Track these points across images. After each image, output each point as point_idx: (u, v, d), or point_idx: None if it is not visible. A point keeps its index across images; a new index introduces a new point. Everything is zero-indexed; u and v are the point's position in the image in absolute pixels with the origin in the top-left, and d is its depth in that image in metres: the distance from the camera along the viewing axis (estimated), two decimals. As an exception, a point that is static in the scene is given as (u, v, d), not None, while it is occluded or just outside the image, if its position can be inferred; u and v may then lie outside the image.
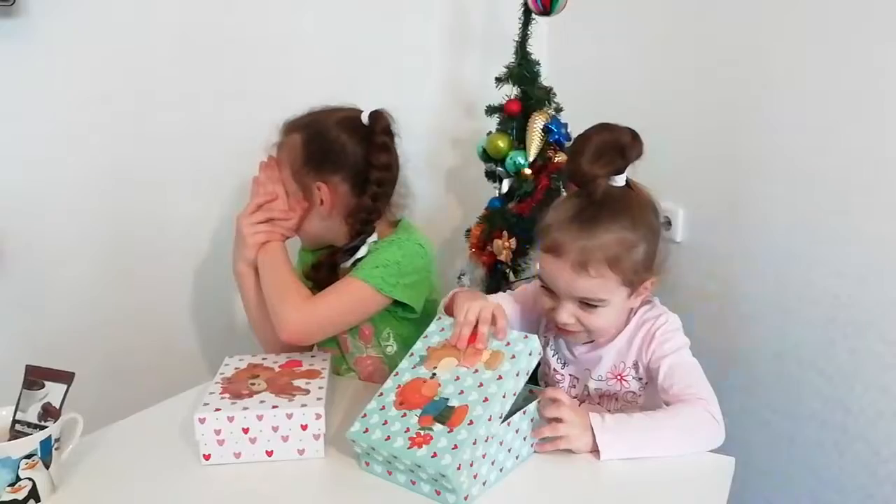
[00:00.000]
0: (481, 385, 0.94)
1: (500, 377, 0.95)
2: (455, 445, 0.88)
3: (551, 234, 1.06)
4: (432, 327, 1.07)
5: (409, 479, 0.92)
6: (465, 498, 0.89)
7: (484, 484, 0.92)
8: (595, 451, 0.99)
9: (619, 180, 1.07)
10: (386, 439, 0.92)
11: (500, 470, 0.95)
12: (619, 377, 1.13)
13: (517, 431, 0.96)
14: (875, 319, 1.49)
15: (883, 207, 1.45)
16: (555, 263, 1.05)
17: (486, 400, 0.92)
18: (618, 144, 1.05)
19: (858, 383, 1.53)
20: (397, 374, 1.02)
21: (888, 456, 1.51)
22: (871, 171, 1.46)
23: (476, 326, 1.01)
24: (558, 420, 0.99)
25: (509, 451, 0.96)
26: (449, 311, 1.12)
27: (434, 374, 0.99)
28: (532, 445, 1.00)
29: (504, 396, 0.94)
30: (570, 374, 1.19)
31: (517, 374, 0.96)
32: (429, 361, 1.01)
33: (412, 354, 1.04)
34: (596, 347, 1.15)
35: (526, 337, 1.00)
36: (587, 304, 1.06)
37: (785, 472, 1.67)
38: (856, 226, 1.49)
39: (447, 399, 0.95)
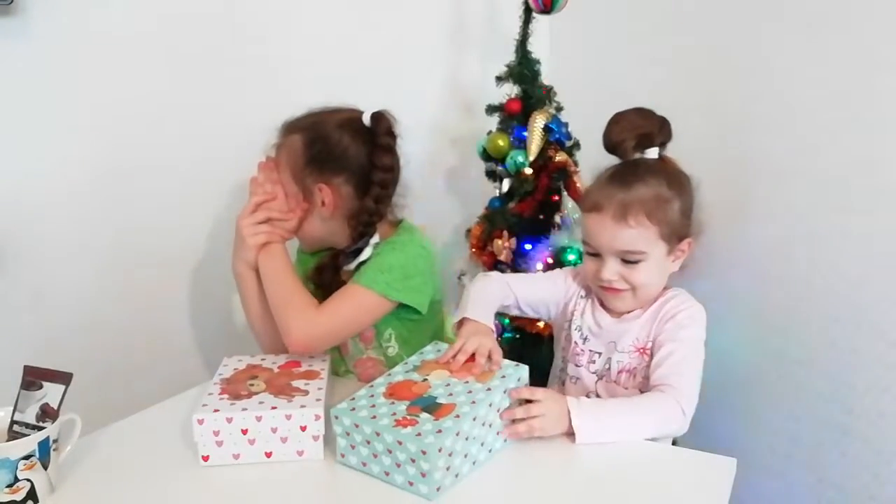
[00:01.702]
0: (470, 392, 0.99)
1: (489, 389, 1.00)
2: (440, 430, 0.91)
3: (591, 196, 1.16)
4: (429, 348, 1.12)
5: (384, 470, 0.93)
6: (437, 489, 0.90)
7: (456, 476, 0.94)
8: (569, 434, 1.00)
9: (651, 153, 1.15)
10: (372, 418, 0.94)
11: (473, 463, 0.96)
12: (642, 350, 1.16)
13: (490, 425, 0.99)
14: (876, 319, 1.48)
15: (884, 207, 1.44)
16: (597, 219, 1.13)
17: (473, 402, 0.96)
18: (645, 122, 1.15)
19: (860, 383, 1.52)
20: (390, 374, 1.06)
21: (890, 456, 1.50)
22: (872, 171, 1.45)
23: (472, 357, 1.06)
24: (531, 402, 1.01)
25: (482, 444, 0.98)
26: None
27: (426, 380, 1.04)
28: (498, 433, 1.01)
29: (490, 405, 0.98)
30: (590, 350, 1.21)
31: (504, 392, 1.01)
32: (422, 370, 1.06)
33: (406, 363, 1.09)
34: (623, 320, 1.19)
35: (517, 365, 1.06)
36: (628, 261, 1.13)
37: (786, 473, 1.67)
38: (856, 225, 1.48)
39: (436, 397, 0.99)
